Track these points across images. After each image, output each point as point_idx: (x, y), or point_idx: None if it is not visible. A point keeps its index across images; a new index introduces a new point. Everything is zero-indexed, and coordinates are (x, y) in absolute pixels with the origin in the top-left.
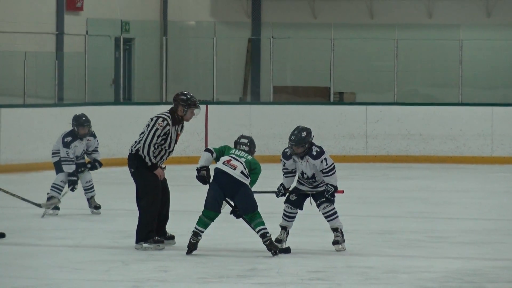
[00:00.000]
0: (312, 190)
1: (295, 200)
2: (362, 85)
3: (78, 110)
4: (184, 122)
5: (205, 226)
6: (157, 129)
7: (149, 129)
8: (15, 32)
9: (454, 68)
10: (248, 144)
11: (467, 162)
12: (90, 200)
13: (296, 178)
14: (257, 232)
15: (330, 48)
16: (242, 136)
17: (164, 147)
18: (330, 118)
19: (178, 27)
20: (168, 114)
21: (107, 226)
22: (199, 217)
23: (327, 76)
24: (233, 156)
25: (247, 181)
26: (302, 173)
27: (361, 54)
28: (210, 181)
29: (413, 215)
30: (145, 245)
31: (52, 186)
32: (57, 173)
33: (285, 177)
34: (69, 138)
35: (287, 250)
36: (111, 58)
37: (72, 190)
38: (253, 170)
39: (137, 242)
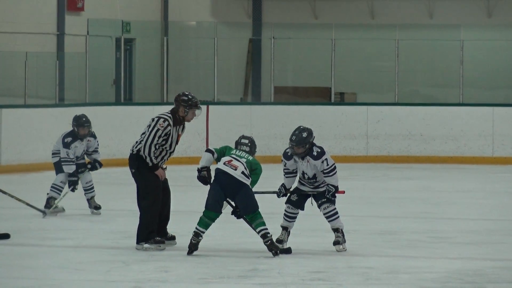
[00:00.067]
0: (313, 190)
1: (296, 200)
2: (363, 86)
3: (79, 111)
4: (185, 123)
5: (206, 226)
6: (158, 129)
7: (150, 129)
8: (16, 33)
9: (455, 69)
10: (249, 144)
11: (468, 163)
12: (90, 200)
13: (297, 178)
14: (258, 233)
15: (331, 48)
16: (243, 137)
17: (165, 148)
18: (331, 118)
19: (179, 27)
20: (170, 115)
21: (108, 226)
22: (200, 218)
23: (328, 76)
24: (234, 156)
25: (248, 182)
26: (303, 173)
27: (362, 55)
28: (211, 182)
29: (414, 215)
30: (146, 245)
31: (51, 187)
32: (56, 173)
33: (286, 177)
34: (69, 139)
35: (288, 251)
36: (112, 59)
37: (73, 190)
38: (254, 171)
39: (138, 242)
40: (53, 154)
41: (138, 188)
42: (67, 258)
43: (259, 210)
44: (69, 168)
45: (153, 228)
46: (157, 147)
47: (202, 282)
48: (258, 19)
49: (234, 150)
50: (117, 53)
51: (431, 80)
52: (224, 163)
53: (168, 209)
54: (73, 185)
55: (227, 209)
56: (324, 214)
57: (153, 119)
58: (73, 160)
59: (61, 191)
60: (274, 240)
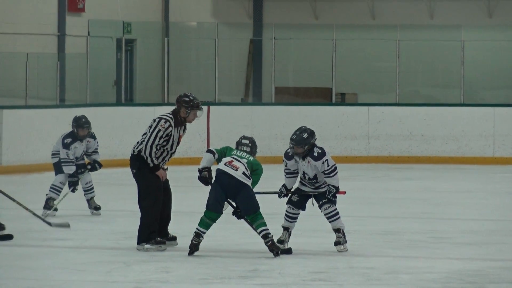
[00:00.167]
0: (314, 191)
1: (297, 201)
2: (364, 86)
3: (80, 112)
4: (187, 124)
5: (207, 227)
6: (159, 130)
7: (151, 130)
8: (17, 34)
9: (455, 69)
10: (250, 145)
11: (469, 163)
12: (90, 201)
13: (298, 179)
14: (259, 233)
15: (332, 49)
16: (244, 137)
17: (166, 149)
18: (332, 119)
19: (180, 28)
20: (171, 116)
21: (108, 227)
22: (201, 218)
23: (328, 77)
24: (235, 157)
25: (248, 182)
26: (304, 173)
27: (362, 55)
28: (212, 182)
29: (414, 215)
30: (147, 246)
31: (50, 187)
32: (56, 174)
33: (287, 177)
34: (69, 140)
35: (288, 251)
36: (113, 59)
37: (73, 191)
38: (255, 171)
39: (138, 243)
40: (52, 154)
41: (139, 188)
42: (67, 258)
43: (260, 210)
44: (69, 169)
45: (154, 228)
46: (158, 147)
47: (203, 283)
48: (259, 19)
49: (235, 151)
50: (118, 54)
51: (432, 80)
52: (225, 164)
53: (169, 209)
54: (73, 186)
55: (228, 209)
56: (325, 214)
57: (154, 120)
58: (72, 160)
59: (60, 191)
60: (275, 240)
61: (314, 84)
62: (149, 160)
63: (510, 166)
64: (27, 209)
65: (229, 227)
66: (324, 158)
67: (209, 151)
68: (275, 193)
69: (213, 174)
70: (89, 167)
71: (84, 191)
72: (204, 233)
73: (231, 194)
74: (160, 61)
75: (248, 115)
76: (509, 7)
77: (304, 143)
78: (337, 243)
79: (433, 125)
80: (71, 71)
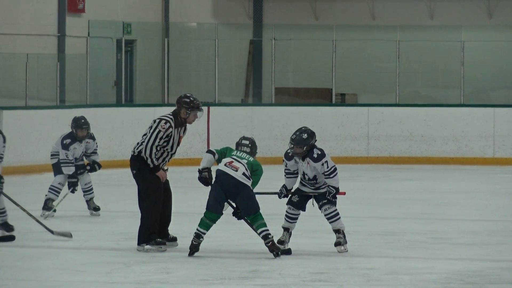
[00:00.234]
0: (314, 191)
1: (297, 201)
2: (364, 87)
3: (80, 112)
4: (187, 125)
5: (207, 227)
6: (159, 131)
7: (151, 131)
8: (17, 34)
9: (455, 69)
10: (250, 145)
11: (469, 164)
12: (89, 202)
13: (298, 179)
14: (259, 234)
15: (332, 49)
16: (244, 138)
17: (167, 149)
18: (332, 119)
19: (180, 28)
20: (171, 116)
21: (109, 228)
22: (201, 219)
23: (328, 77)
24: (235, 157)
25: (249, 183)
26: (304, 174)
27: (362, 56)
28: (212, 183)
29: (415, 216)
30: (147, 247)
31: (49, 188)
32: (55, 175)
33: (287, 177)
34: (68, 140)
35: (288, 252)
36: (113, 60)
37: (73, 192)
38: (255, 172)
39: (139, 244)
40: (51, 155)
41: (139, 189)
42: (68, 259)
43: (260, 211)
44: (69, 170)
45: (154, 229)
46: (158, 148)
47: (203, 284)
48: (259, 20)
49: (235, 151)
50: (118, 55)
51: (432, 81)
52: (225, 164)
53: (170, 210)
54: (73, 187)
55: (228, 210)
56: (325, 215)
57: (154, 121)
58: (72, 161)
59: (59, 192)
60: (276, 241)
61: (314, 85)
62: (149, 161)
63: (510, 166)
64: (30, 215)
65: (229, 228)
66: (323, 160)
67: (209, 151)
68: (275, 193)
69: (213, 175)
70: (88, 167)
71: (84, 192)
72: (204, 233)
73: (231, 195)
74: (160, 61)
75: (248, 116)
76: (509, 7)
77: (303, 144)
78: (337, 244)
79: (433, 126)
80: (71, 72)
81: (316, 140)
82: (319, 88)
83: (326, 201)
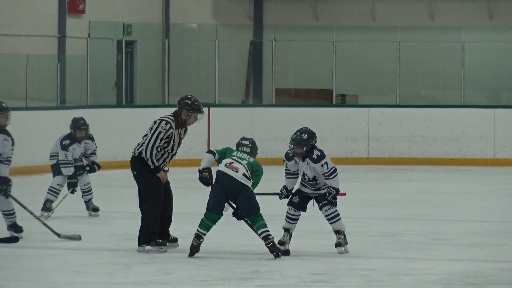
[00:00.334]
0: (315, 192)
1: (298, 202)
2: (364, 87)
3: (80, 113)
4: (188, 126)
5: (207, 228)
6: (160, 132)
7: (152, 132)
8: (17, 35)
9: (456, 70)
10: (250, 146)
11: (469, 164)
12: (88, 202)
13: (298, 180)
14: (259, 235)
15: (332, 50)
16: (244, 138)
17: (167, 150)
18: (332, 120)
19: (180, 29)
20: (172, 118)
21: (109, 228)
22: (201, 220)
23: (329, 78)
24: (235, 158)
25: (249, 183)
26: (304, 175)
27: (363, 57)
28: (213, 183)
29: (415, 217)
30: (147, 247)
31: (48, 189)
32: (54, 176)
33: (287, 178)
34: (67, 141)
35: (287, 252)
36: (113, 61)
37: (72, 192)
38: (255, 172)
39: (139, 244)
40: (51, 156)
41: (139, 190)
42: (68, 260)
43: (261, 212)
44: (68, 171)
45: (154, 230)
46: (159, 149)
47: (203, 284)
48: (259, 21)
49: (235, 152)
50: (118, 56)
51: (432, 82)
52: (225, 165)
53: (170, 211)
54: (72, 187)
55: (228, 211)
56: (325, 216)
57: (155, 122)
58: (71, 162)
59: (58, 193)
60: (276, 242)
61: (315, 86)
62: (149, 162)
63: (510, 167)
64: (37, 217)
65: (230, 229)
66: (323, 161)
67: (209, 151)
68: (275, 194)
69: (214, 176)
70: (87, 168)
71: (83, 192)
72: (205, 234)
73: (231, 196)
74: (160, 62)
75: (248, 117)
76: (509, 8)
77: (303, 144)
78: (337, 245)
79: (434, 127)
80: (72, 73)
81: (316, 141)
82: (319, 89)
83: (326, 202)
